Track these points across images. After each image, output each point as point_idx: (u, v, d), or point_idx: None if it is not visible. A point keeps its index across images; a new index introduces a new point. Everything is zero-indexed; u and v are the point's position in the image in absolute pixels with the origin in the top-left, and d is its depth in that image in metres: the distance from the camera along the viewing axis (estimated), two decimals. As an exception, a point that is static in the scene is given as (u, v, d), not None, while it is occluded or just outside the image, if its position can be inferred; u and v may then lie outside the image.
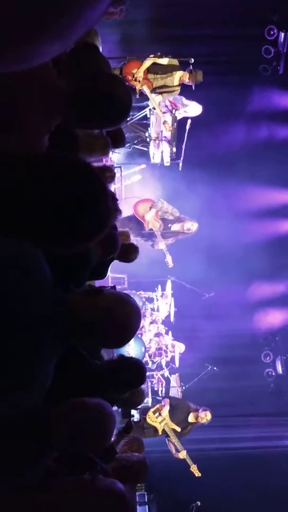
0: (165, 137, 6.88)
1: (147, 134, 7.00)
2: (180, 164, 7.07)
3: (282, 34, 7.78)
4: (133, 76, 6.20)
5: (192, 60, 6.31)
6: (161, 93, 6.44)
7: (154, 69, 6.32)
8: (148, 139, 7.02)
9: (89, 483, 1.81)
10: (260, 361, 9.19)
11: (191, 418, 6.32)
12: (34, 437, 1.57)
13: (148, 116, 6.86)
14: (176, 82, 6.41)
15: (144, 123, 7.04)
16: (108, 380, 2.36)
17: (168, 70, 6.37)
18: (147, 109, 6.69)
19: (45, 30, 0.72)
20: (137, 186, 7.83)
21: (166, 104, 6.70)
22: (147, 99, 6.47)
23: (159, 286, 7.62)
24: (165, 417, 6.18)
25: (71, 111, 1.54)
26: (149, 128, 6.98)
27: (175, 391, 7.42)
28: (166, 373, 7.23)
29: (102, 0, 0.70)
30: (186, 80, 6.37)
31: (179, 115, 6.75)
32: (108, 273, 3.69)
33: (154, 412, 6.15)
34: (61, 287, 1.46)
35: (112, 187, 6.13)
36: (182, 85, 6.54)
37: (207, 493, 6.61)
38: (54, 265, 1.47)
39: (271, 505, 7.19)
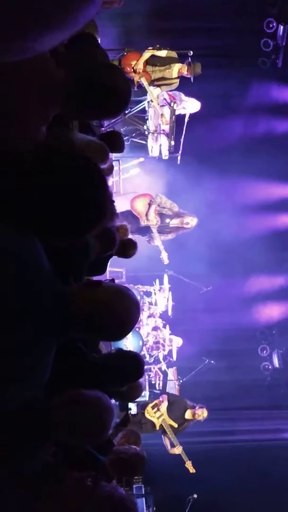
0: (163, 130, 6.85)
1: (145, 127, 6.97)
2: (179, 158, 7.05)
3: (281, 27, 7.75)
4: (132, 68, 6.17)
5: (191, 52, 6.28)
6: (159, 85, 6.42)
7: (153, 61, 6.29)
8: (146, 132, 6.99)
9: (90, 491, 1.81)
10: (257, 354, 9.22)
11: (188, 414, 6.37)
12: (32, 429, 1.57)
13: (147, 109, 6.83)
14: (174, 75, 6.39)
15: (142, 116, 7.02)
16: (106, 373, 2.36)
17: (166, 62, 6.34)
18: (145, 102, 6.66)
19: (43, 23, 0.71)
20: (135, 179, 7.81)
21: (165, 97, 6.67)
22: (146, 91, 6.44)
23: (157, 280, 7.62)
24: (163, 413, 6.22)
25: (70, 101, 1.53)
26: (147, 121, 6.96)
27: (173, 385, 7.45)
28: (164, 367, 7.25)
29: None
30: (185, 72, 6.34)
31: (177, 110, 6.72)
32: (107, 268, 3.69)
33: (152, 407, 6.19)
34: (61, 280, 1.45)
35: (110, 181, 6.11)
36: (181, 79, 6.51)
37: (203, 485, 6.66)
38: (54, 258, 1.46)
39: (268, 497, 7.25)
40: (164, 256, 6.84)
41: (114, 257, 3.98)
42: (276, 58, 8.05)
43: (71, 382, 1.77)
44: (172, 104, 6.60)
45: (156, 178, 8.01)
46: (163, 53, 6.29)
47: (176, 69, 6.35)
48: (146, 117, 6.97)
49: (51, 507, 1.73)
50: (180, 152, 6.96)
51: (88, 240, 2.51)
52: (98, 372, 2.30)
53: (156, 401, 6.29)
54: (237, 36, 8.04)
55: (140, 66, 6.17)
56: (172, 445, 6.41)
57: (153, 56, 6.29)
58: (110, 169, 4.28)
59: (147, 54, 6.24)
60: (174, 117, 6.67)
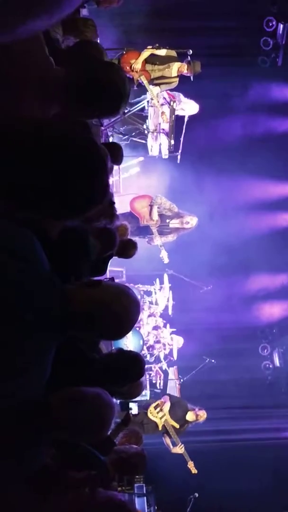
0: (163, 129, 6.85)
1: (145, 127, 6.96)
2: (179, 157, 7.04)
3: (281, 26, 7.74)
4: (131, 67, 6.16)
5: (191, 51, 6.27)
6: (159, 84, 6.41)
7: (152, 60, 6.28)
8: (146, 132, 6.98)
9: (89, 499, 1.82)
10: (258, 353, 9.22)
11: (189, 416, 6.39)
12: (32, 426, 1.57)
13: (146, 108, 6.82)
14: (174, 73, 6.38)
15: (142, 115, 7.01)
16: (106, 373, 2.36)
17: (166, 61, 6.33)
18: (145, 101, 6.65)
19: (35, 7, 0.72)
20: (135, 179, 7.81)
21: (164, 96, 6.67)
22: (145, 91, 6.43)
23: (157, 280, 7.62)
24: (165, 413, 6.23)
25: (69, 99, 1.53)
26: (147, 121, 6.94)
27: (173, 384, 7.45)
28: (164, 366, 7.25)
29: None
30: (184, 71, 6.33)
31: (176, 111, 6.72)
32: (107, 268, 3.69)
33: (155, 408, 6.20)
34: (61, 279, 1.45)
35: (110, 180, 6.11)
36: (181, 78, 6.50)
37: (205, 485, 6.66)
38: (54, 258, 1.46)
39: (268, 497, 7.25)
40: (164, 255, 6.84)
41: (114, 256, 3.99)
42: (276, 57, 8.05)
43: (71, 382, 1.76)
44: (172, 103, 6.60)
45: (156, 177, 8.01)
46: (162, 52, 6.29)
47: (176, 68, 6.35)
48: (145, 116, 6.96)
49: (51, 509, 1.73)
50: (180, 151, 6.95)
51: (89, 239, 2.51)
52: (98, 372, 2.30)
53: (158, 402, 6.31)
54: (237, 34, 8.04)
55: (138, 65, 6.16)
56: (174, 444, 6.42)
57: (152, 55, 6.28)
58: (110, 168, 4.28)
59: (146, 53, 6.23)
60: (174, 116, 6.66)
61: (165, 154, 7.10)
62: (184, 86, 6.71)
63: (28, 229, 1.37)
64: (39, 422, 1.59)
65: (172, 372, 7.52)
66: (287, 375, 9.15)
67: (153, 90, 6.34)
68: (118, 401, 3.76)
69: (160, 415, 6.21)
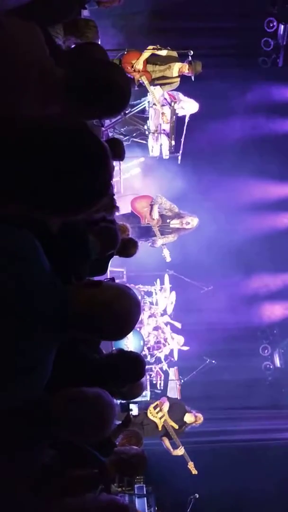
0: (164, 130, 6.85)
1: (145, 127, 6.96)
2: (179, 157, 7.05)
3: (282, 27, 7.75)
4: (132, 67, 6.16)
5: (192, 52, 6.27)
6: (160, 84, 6.40)
7: (153, 60, 6.28)
8: (147, 132, 6.99)
9: (90, 502, 1.82)
10: (258, 354, 9.22)
11: (187, 418, 6.39)
12: (34, 426, 1.57)
13: (147, 108, 6.82)
14: (175, 74, 6.38)
15: (142, 116, 7.01)
16: (107, 374, 2.36)
17: (167, 61, 6.33)
18: (145, 102, 6.65)
19: None
20: (135, 179, 7.81)
21: (165, 97, 6.67)
22: (146, 91, 6.44)
23: (158, 280, 7.62)
24: (165, 413, 6.24)
25: (70, 99, 1.52)
26: (148, 121, 6.95)
27: (174, 384, 7.45)
28: (165, 367, 7.25)
29: None
30: (186, 71, 6.33)
31: (177, 110, 6.71)
32: (108, 268, 3.69)
33: (154, 408, 6.21)
34: (61, 280, 1.45)
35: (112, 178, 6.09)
36: (181, 78, 6.50)
37: (205, 485, 6.65)
38: (54, 258, 1.46)
39: (269, 497, 7.24)
40: (166, 253, 6.83)
41: (115, 256, 3.99)
42: (277, 58, 8.05)
43: (72, 382, 1.76)
44: (172, 104, 6.60)
45: (156, 178, 8.01)
46: (163, 52, 6.28)
47: (177, 68, 6.35)
48: (146, 117, 6.97)
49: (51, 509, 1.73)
50: (180, 151, 6.95)
51: (89, 239, 2.51)
52: (99, 373, 2.30)
53: (157, 402, 6.31)
54: (238, 35, 8.05)
55: (139, 65, 6.16)
56: (174, 447, 6.42)
57: (153, 55, 6.28)
58: (112, 167, 4.28)
59: (147, 53, 6.23)
60: (174, 116, 6.67)
61: (165, 154, 7.11)
62: (185, 86, 6.71)
63: (28, 230, 1.37)
64: (39, 422, 1.59)
65: (173, 373, 7.52)
66: (287, 375, 9.15)
67: (154, 90, 6.34)
68: (119, 401, 3.76)
69: (159, 415, 6.22)
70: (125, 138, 6.82)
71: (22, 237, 1.36)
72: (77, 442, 1.94)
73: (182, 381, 7.60)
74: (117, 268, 7.22)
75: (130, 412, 3.75)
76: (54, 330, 1.38)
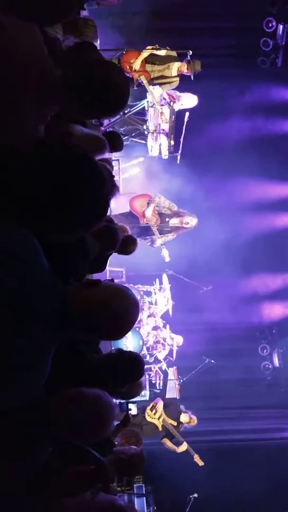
0: (163, 130, 6.85)
1: (145, 127, 6.96)
2: (178, 157, 7.04)
3: (281, 27, 7.75)
4: (131, 66, 6.16)
5: (190, 52, 6.27)
6: (159, 84, 6.41)
7: (152, 60, 6.28)
8: (146, 132, 6.99)
9: (89, 503, 1.82)
10: (257, 354, 9.23)
11: (182, 417, 6.40)
12: (33, 426, 1.57)
13: (146, 108, 6.82)
14: (174, 73, 6.38)
15: (142, 116, 7.01)
16: (106, 374, 2.36)
17: (165, 61, 6.33)
18: (145, 102, 6.65)
19: None
20: (135, 179, 7.80)
21: (164, 97, 6.67)
22: (145, 92, 6.44)
23: (157, 280, 7.62)
24: (161, 413, 6.24)
25: (68, 99, 1.52)
26: (147, 121, 6.95)
27: (173, 384, 7.45)
28: (164, 366, 7.25)
29: None
30: (185, 70, 6.33)
31: (176, 107, 6.71)
32: (107, 266, 3.69)
33: (151, 409, 6.22)
34: (60, 280, 1.45)
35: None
36: (181, 78, 6.50)
37: (204, 485, 6.66)
38: (53, 258, 1.46)
39: (268, 496, 7.25)
40: (165, 253, 6.82)
41: (115, 256, 3.98)
42: (276, 58, 8.05)
43: (71, 382, 1.77)
44: (171, 104, 6.60)
45: (155, 177, 8.01)
46: (162, 52, 6.29)
47: (176, 68, 6.35)
48: (145, 117, 6.97)
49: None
50: (179, 151, 6.95)
51: (87, 239, 2.51)
52: (98, 373, 2.30)
53: (152, 404, 6.33)
54: (237, 35, 8.05)
55: (137, 65, 6.15)
56: (177, 444, 6.43)
57: (152, 55, 6.28)
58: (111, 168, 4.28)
59: (145, 53, 6.23)
60: (173, 116, 6.66)
61: (165, 154, 7.11)
62: (184, 86, 6.71)
63: (28, 230, 1.37)
64: (39, 422, 1.59)
65: (172, 373, 7.53)
66: (286, 375, 9.15)
67: (153, 90, 6.34)
68: (118, 401, 3.76)
69: (157, 416, 6.23)
70: (124, 138, 6.80)
71: (22, 237, 1.36)
72: (77, 442, 1.94)
73: (181, 380, 7.60)
74: (116, 268, 7.22)
75: (129, 411, 3.75)
76: (53, 329, 1.39)
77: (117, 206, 6.39)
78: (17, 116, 1.37)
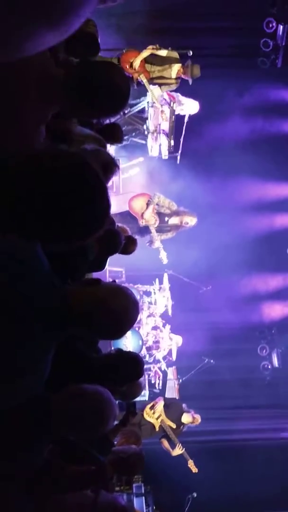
0: (163, 130, 6.85)
1: (145, 127, 6.97)
2: (178, 157, 7.05)
3: (281, 27, 7.74)
4: (131, 66, 6.16)
5: (191, 52, 6.28)
6: (159, 84, 6.40)
7: (152, 60, 6.28)
8: (146, 132, 6.99)
9: (90, 503, 1.82)
10: (256, 354, 9.23)
11: (184, 418, 6.38)
12: (34, 423, 1.58)
13: (146, 108, 6.83)
14: (173, 75, 6.38)
15: (142, 116, 7.01)
16: (105, 373, 2.37)
17: (166, 62, 6.33)
18: (145, 102, 6.66)
19: (39, 21, 0.72)
20: (135, 179, 7.80)
21: (164, 97, 6.67)
22: (145, 92, 6.44)
23: (157, 280, 7.62)
24: (160, 413, 6.23)
25: (69, 99, 1.53)
26: (147, 121, 6.95)
27: (172, 384, 7.45)
28: (163, 366, 7.25)
29: None
30: (183, 74, 6.33)
31: (177, 110, 6.71)
32: (106, 266, 3.69)
33: (150, 408, 6.21)
34: (60, 279, 1.46)
35: (110, 181, 6.08)
36: (181, 80, 6.50)
37: (203, 484, 6.67)
38: (53, 259, 1.47)
39: (266, 496, 7.26)
40: (163, 255, 6.82)
41: (114, 256, 3.98)
42: (276, 58, 8.04)
43: (71, 381, 1.77)
44: (172, 104, 6.60)
45: (155, 177, 8.01)
46: (163, 52, 6.28)
47: (176, 70, 6.35)
48: (145, 117, 6.97)
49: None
50: (179, 151, 6.96)
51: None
52: (97, 372, 2.31)
53: (152, 403, 6.31)
54: (237, 36, 8.04)
55: (136, 64, 6.15)
56: (173, 447, 6.42)
57: (152, 55, 6.28)
58: (117, 168, 4.28)
59: (145, 53, 6.22)
60: (173, 116, 6.67)
61: (165, 154, 7.11)
62: (184, 87, 6.72)
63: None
64: (39, 418, 1.60)
65: (171, 372, 7.53)
66: (285, 375, 9.15)
67: (153, 90, 6.34)
68: (117, 401, 3.76)
69: (156, 415, 6.21)
70: (124, 138, 6.81)
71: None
72: (76, 439, 1.95)
73: (180, 380, 7.61)
74: (116, 268, 7.23)
75: (131, 412, 3.74)
76: (53, 329, 1.39)
77: (116, 205, 6.39)
78: (18, 116, 1.38)
